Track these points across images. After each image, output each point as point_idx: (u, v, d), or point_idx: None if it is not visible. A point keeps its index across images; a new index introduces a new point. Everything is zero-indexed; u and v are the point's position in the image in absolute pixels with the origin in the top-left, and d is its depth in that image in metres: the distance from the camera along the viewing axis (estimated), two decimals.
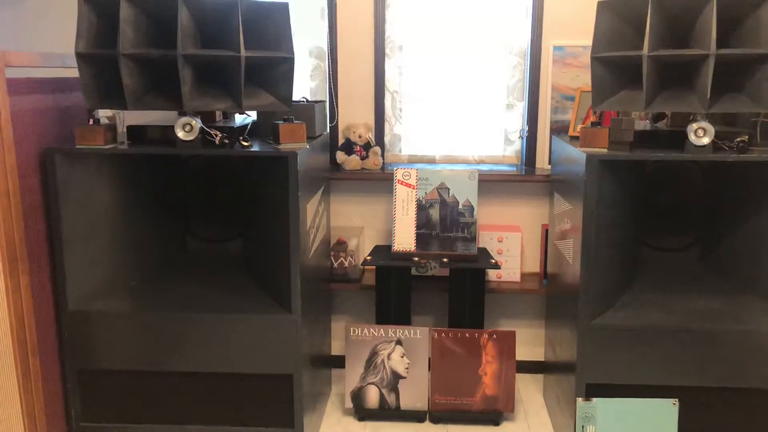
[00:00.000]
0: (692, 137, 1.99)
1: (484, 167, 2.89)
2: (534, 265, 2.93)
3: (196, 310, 2.18)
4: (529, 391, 2.87)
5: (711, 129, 1.98)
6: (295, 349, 2.16)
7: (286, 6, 2.03)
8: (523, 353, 2.98)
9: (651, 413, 2.14)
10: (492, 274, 2.82)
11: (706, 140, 1.98)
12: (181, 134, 2.03)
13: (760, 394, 2.12)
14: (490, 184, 2.85)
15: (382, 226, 2.95)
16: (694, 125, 1.99)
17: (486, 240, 2.80)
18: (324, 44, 2.87)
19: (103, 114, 2.37)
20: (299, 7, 2.85)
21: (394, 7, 2.83)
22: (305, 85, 2.93)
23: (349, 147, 2.88)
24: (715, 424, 2.15)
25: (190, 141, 2.03)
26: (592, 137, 2.10)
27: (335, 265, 2.81)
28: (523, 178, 2.82)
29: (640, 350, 2.12)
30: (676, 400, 2.13)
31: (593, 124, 2.15)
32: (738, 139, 2.01)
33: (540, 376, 2.95)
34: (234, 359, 2.18)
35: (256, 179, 2.32)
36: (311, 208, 2.29)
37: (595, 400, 2.14)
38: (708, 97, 1.91)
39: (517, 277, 2.83)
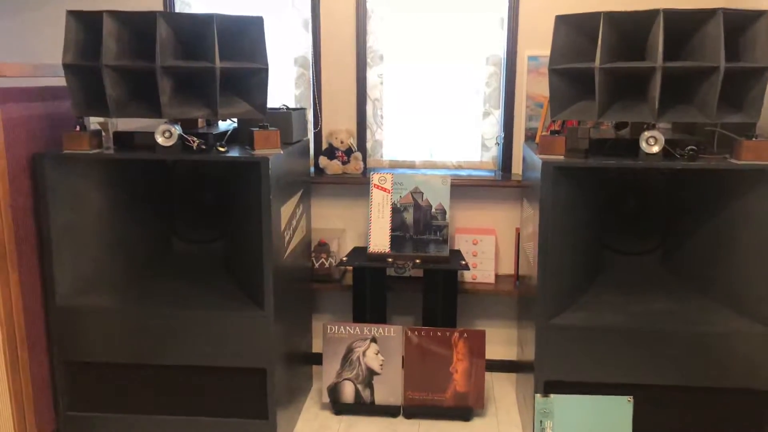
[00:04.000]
0: (643, 145, 2.09)
1: (463, 172, 3.00)
2: (508, 268, 3.03)
3: (177, 307, 2.31)
4: (503, 389, 2.97)
5: (661, 138, 2.08)
6: (268, 344, 2.28)
7: (260, 20, 2.15)
8: (498, 352, 3.08)
9: (606, 409, 2.23)
10: (467, 276, 2.92)
11: (656, 148, 2.08)
12: (160, 140, 2.16)
13: (710, 393, 2.21)
14: (466, 189, 2.96)
15: (363, 229, 3.06)
16: (646, 134, 2.09)
17: (461, 242, 2.91)
18: (308, 54, 3.00)
19: (96, 120, 2.51)
20: (284, 19, 2.98)
21: (376, 18, 2.95)
22: (290, 93, 3.05)
23: (331, 152, 3.00)
24: (668, 421, 2.25)
25: (169, 147, 2.16)
26: (550, 145, 2.21)
27: (316, 265, 2.93)
28: (497, 183, 2.92)
29: (597, 349, 2.21)
30: (631, 397, 2.22)
31: (553, 132, 2.25)
32: (688, 147, 2.10)
33: (513, 375, 3.05)
34: (212, 353, 2.31)
35: (235, 183, 2.45)
36: (286, 210, 2.41)
37: (552, 396, 2.24)
38: (657, 107, 2.01)
39: (491, 279, 2.93)
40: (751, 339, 2.15)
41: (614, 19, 2.04)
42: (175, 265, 2.64)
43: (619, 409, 2.23)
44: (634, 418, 2.22)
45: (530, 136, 2.92)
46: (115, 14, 2.06)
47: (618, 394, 2.23)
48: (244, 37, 2.16)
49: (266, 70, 2.17)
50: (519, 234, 2.89)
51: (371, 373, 2.70)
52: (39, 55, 2.86)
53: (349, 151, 3.00)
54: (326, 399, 2.73)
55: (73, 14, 2.09)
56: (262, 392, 2.33)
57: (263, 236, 2.20)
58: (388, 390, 2.69)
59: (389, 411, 2.71)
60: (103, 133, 2.36)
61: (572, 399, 2.24)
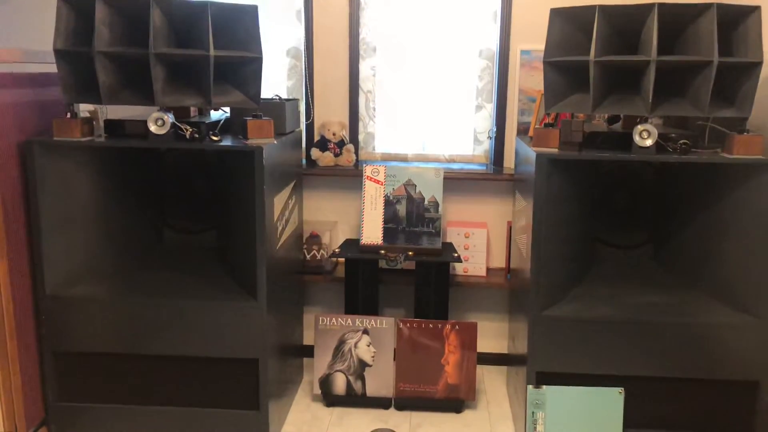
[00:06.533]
0: (637, 139, 2.10)
1: (455, 166, 3.00)
2: (500, 261, 3.04)
3: (168, 297, 2.30)
4: (495, 382, 2.98)
5: (654, 131, 2.09)
6: (261, 335, 2.27)
7: (255, 8, 2.14)
8: (489, 346, 3.09)
9: (598, 401, 2.25)
10: (459, 269, 2.93)
11: (649, 142, 2.09)
12: (153, 128, 2.14)
13: (701, 384, 2.23)
14: (458, 182, 2.96)
15: (355, 221, 3.05)
16: (639, 127, 2.10)
17: (453, 235, 2.91)
18: (300, 45, 2.98)
19: (85, 108, 2.48)
20: (277, 9, 2.96)
21: (369, 10, 2.94)
22: (282, 84, 3.04)
23: (323, 144, 2.99)
24: (658, 412, 2.27)
25: (162, 135, 2.14)
26: (544, 137, 2.21)
27: (308, 257, 2.92)
28: (489, 176, 2.93)
29: (588, 341, 2.23)
30: (622, 388, 2.24)
31: (547, 125, 2.26)
32: (681, 141, 2.12)
33: (505, 368, 3.06)
34: (204, 344, 2.29)
35: (227, 173, 2.43)
36: (279, 201, 2.40)
37: (544, 387, 2.25)
38: (650, 100, 2.02)
39: (483, 272, 2.93)
40: (740, 330, 2.17)
41: (609, 12, 2.05)
42: (167, 255, 2.62)
43: (611, 401, 2.24)
44: (624, 409, 2.24)
45: (523, 130, 2.93)
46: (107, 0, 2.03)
47: (609, 386, 2.24)
48: (239, 25, 2.14)
49: (260, 60, 2.16)
50: (510, 227, 2.90)
51: (363, 364, 2.69)
52: (29, 43, 2.80)
53: (341, 143, 2.99)
54: (317, 391, 2.72)
55: None
56: (253, 383, 2.32)
57: (257, 226, 2.19)
58: (380, 382, 2.69)
59: (381, 403, 2.71)
60: (94, 122, 2.33)
61: (564, 390, 2.25)
